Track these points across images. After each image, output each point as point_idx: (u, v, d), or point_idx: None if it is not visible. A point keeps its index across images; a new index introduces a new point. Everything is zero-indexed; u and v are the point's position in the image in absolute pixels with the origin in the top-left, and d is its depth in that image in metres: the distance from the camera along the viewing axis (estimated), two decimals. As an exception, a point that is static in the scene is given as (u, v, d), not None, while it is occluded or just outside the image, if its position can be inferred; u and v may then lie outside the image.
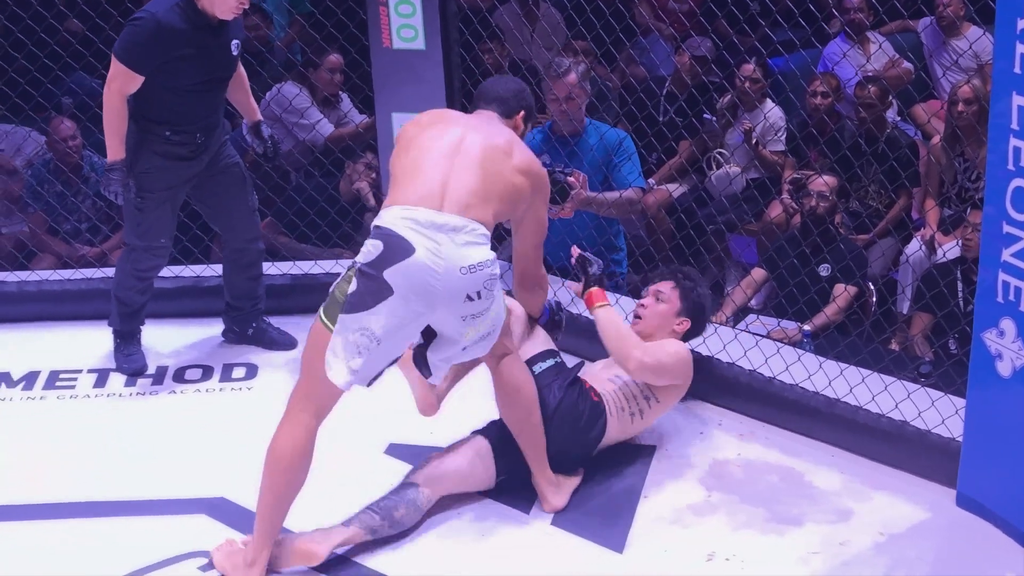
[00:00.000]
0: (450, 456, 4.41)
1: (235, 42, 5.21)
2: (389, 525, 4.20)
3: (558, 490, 4.45)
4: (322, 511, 4.20)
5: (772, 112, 7.21)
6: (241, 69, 5.45)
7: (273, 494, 3.97)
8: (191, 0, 5.00)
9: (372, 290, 3.85)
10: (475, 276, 3.89)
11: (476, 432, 4.50)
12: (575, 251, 4.81)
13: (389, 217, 3.90)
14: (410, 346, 4.12)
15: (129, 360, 5.55)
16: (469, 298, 3.91)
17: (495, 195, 4.02)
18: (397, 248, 3.84)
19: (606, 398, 4.61)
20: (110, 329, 5.60)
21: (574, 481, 4.52)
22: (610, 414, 4.59)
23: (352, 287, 3.88)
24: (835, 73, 7.27)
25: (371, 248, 3.87)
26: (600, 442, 4.60)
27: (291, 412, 4.01)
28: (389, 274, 3.83)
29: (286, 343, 5.74)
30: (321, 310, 3.96)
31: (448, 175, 3.97)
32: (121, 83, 5.02)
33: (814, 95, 6.96)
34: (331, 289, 3.97)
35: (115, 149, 5.10)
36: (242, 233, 5.57)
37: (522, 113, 4.34)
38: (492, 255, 3.96)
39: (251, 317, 5.74)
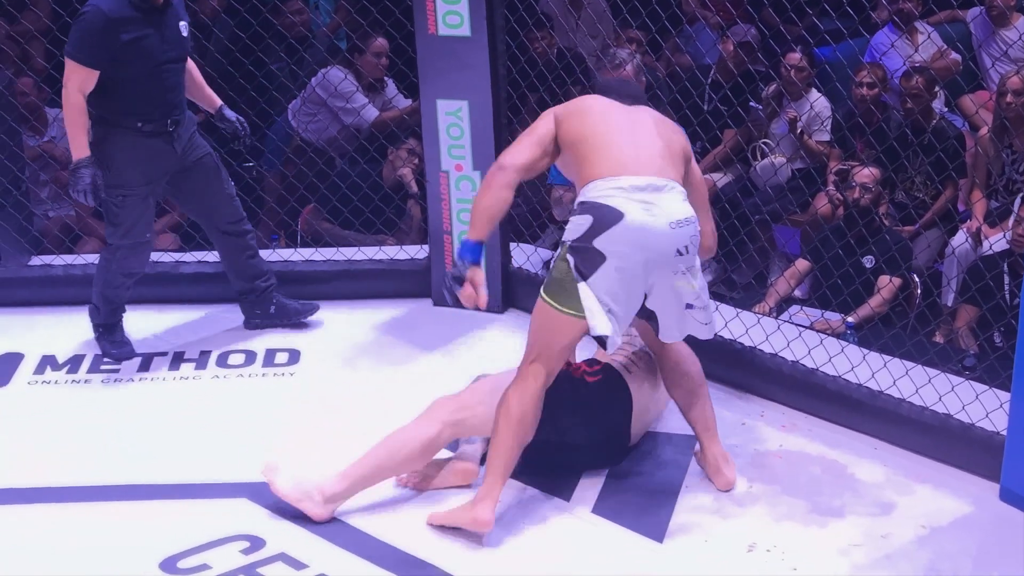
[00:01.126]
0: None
1: (183, 23, 5.27)
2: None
3: (729, 464, 4.49)
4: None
5: (818, 102, 7.16)
6: (191, 61, 5.48)
7: (505, 446, 4.16)
8: None
9: (587, 260, 4.08)
10: (683, 231, 4.12)
11: None
12: None
13: (593, 192, 4.12)
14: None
15: (117, 346, 5.58)
16: (679, 252, 4.13)
17: (679, 157, 4.28)
18: (607, 217, 4.06)
19: (614, 364, 4.64)
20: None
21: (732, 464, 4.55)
22: (627, 375, 4.62)
23: (571, 262, 4.10)
24: (882, 63, 7.21)
25: (580, 222, 4.10)
26: (631, 417, 4.58)
27: (522, 378, 4.21)
28: (600, 242, 4.06)
29: (309, 309, 5.79)
30: (542, 288, 4.20)
31: (636, 143, 4.20)
32: (79, 80, 5.06)
33: (860, 85, 6.91)
34: (549, 268, 4.24)
35: (80, 147, 5.12)
36: (226, 217, 5.59)
37: None
38: (692, 211, 4.19)
39: (266, 297, 5.76)
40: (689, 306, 4.28)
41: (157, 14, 5.14)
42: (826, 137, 7.19)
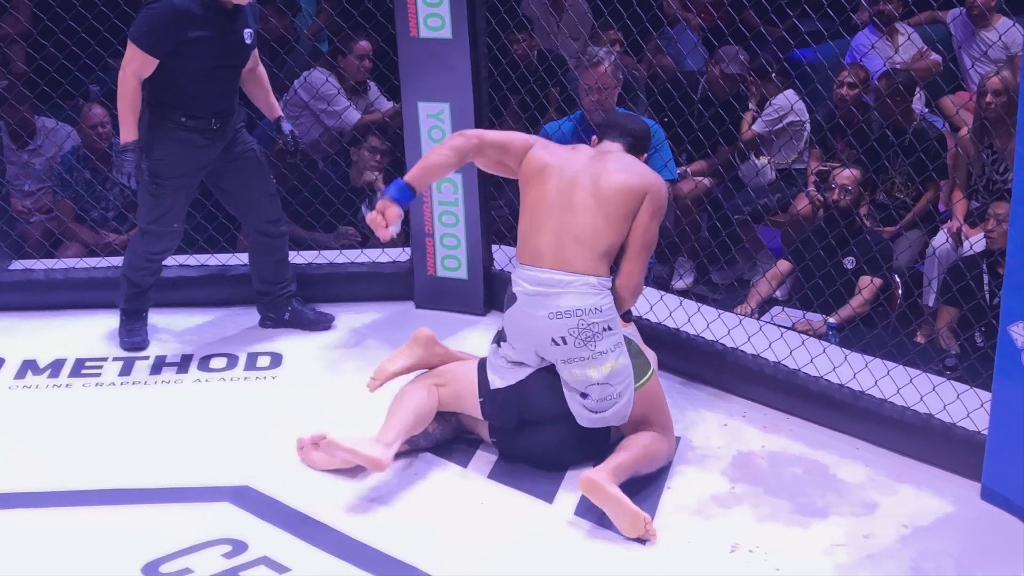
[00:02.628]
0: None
1: (248, 31, 5.27)
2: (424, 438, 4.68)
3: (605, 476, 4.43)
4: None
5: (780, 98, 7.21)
6: (261, 67, 5.52)
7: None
8: None
9: (503, 329, 4.60)
10: (562, 322, 4.37)
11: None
12: None
13: (513, 271, 4.54)
14: None
15: (131, 334, 5.61)
16: (555, 342, 4.39)
17: (608, 235, 4.45)
18: (510, 299, 4.50)
19: None
20: (126, 305, 5.65)
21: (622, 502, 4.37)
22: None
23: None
24: (863, 64, 7.23)
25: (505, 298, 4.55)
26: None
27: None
28: (506, 316, 4.54)
29: (324, 322, 5.78)
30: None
31: (562, 230, 4.44)
32: (137, 66, 5.09)
33: (841, 85, 6.93)
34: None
35: (129, 130, 5.15)
36: (263, 216, 5.61)
37: (644, 156, 4.77)
38: (593, 303, 4.39)
39: (284, 301, 5.76)
40: (584, 395, 4.47)
41: (225, 18, 5.16)
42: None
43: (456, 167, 4.64)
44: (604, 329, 4.39)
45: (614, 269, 4.55)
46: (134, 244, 5.56)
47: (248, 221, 5.67)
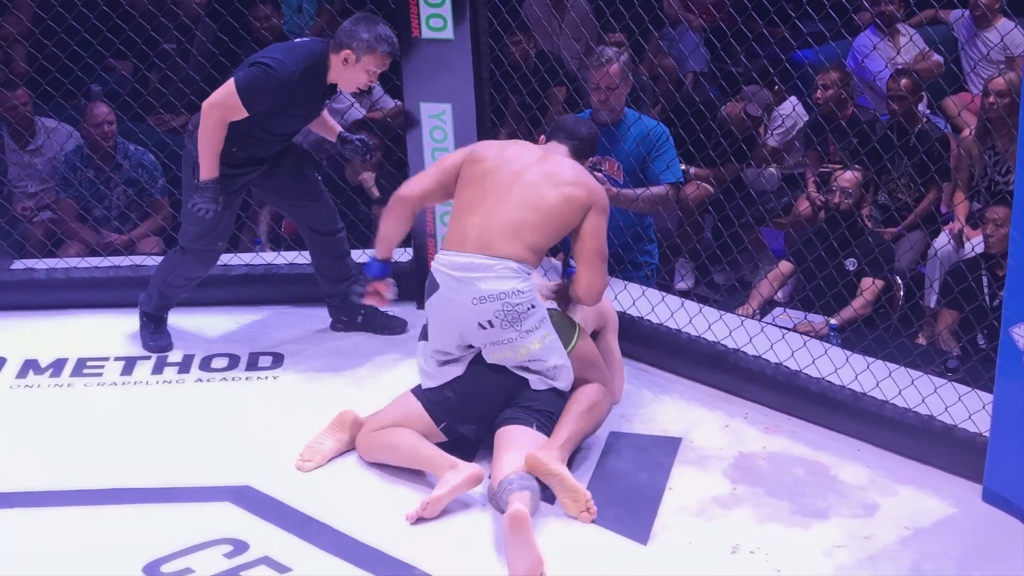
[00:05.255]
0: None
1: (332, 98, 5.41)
2: None
3: (549, 454, 4.44)
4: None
5: (786, 107, 7.20)
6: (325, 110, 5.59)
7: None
8: (325, 63, 5.13)
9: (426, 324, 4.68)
10: (486, 306, 4.43)
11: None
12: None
13: (435, 261, 4.59)
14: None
15: (155, 338, 5.62)
16: (481, 326, 4.45)
17: (538, 233, 4.54)
18: (431, 285, 4.55)
19: None
20: (136, 311, 5.65)
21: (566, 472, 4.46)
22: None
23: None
24: (839, 64, 7.23)
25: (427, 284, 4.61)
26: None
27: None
28: (428, 305, 4.58)
29: (397, 327, 5.76)
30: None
31: (491, 216, 4.53)
32: (227, 112, 5.07)
33: (816, 89, 6.97)
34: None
35: (210, 168, 5.14)
36: (315, 216, 5.61)
37: (588, 160, 4.86)
38: (514, 286, 4.45)
39: (351, 305, 5.74)
40: (522, 368, 4.56)
41: (324, 94, 5.30)
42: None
43: (412, 220, 4.96)
44: (529, 308, 4.47)
45: (569, 276, 4.72)
46: (172, 263, 5.54)
47: (301, 223, 5.68)
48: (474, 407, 4.60)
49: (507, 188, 4.57)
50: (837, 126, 6.76)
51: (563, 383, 4.60)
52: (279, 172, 5.46)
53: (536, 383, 4.56)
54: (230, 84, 5.05)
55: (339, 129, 5.64)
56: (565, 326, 4.66)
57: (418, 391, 4.67)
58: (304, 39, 5.38)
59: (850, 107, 7.10)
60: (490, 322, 4.44)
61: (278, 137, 5.33)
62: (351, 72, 5.13)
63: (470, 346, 4.57)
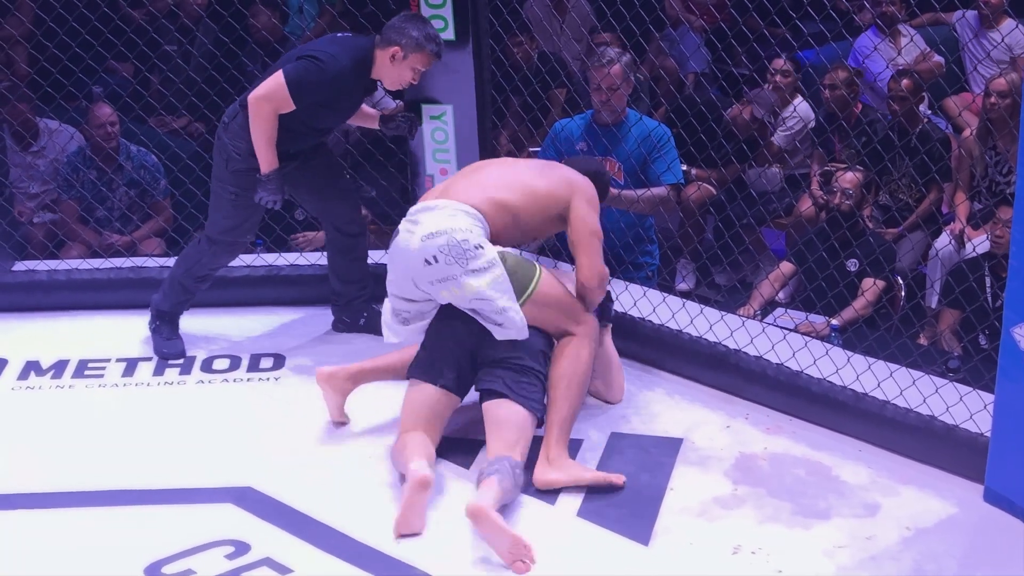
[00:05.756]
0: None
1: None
2: None
3: (551, 467, 4.46)
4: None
5: (801, 106, 7.19)
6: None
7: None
8: (371, 59, 5.15)
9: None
10: (433, 241, 4.45)
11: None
12: None
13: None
14: None
15: (168, 344, 5.59)
16: (427, 262, 4.46)
17: (513, 203, 4.63)
18: (393, 235, 4.62)
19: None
20: (146, 313, 5.64)
21: (579, 471, 4.50)
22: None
23: None
24: (846, 65, 7.24)
25: None
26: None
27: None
28: (388, 252, 4.66)
29: None
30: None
31: (468, 177, 4.72)
32: (277, 105, 5.07)
33: (823, 88, 6.97)
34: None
35: (269, 160, 5.15)
36: (339, 214, 5.61)
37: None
38: (461, 224, 4.48)
39: (360, 306, 5.74)
40: (472, 310, 4.52)
41: (368, 89, 5.36)
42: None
43: None
44: (475, 247, 4.46)
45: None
46: (196, 253, 5.53)
47: (325, 221, 5.69)
48: (448, 358, 4.58)
49: (488, 164, 4.89)
50: (844, 125, 6.75)
51: (515, 330, 4.50)
52: (310, 168, 5.45)
53: (498, 334, 4.52)
54: (279, 76, 5.06)
55: (376, 113, 5.66)
56: (524, 267, 4.61)
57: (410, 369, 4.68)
58: (346, 34, 5.38)
59: (859, 106, 7.11)
60: (435, 257, 4.44)
61: (317, 132, 5.35)
62: (397, 69, 5.15)
63: (425, 295, 4.58)
